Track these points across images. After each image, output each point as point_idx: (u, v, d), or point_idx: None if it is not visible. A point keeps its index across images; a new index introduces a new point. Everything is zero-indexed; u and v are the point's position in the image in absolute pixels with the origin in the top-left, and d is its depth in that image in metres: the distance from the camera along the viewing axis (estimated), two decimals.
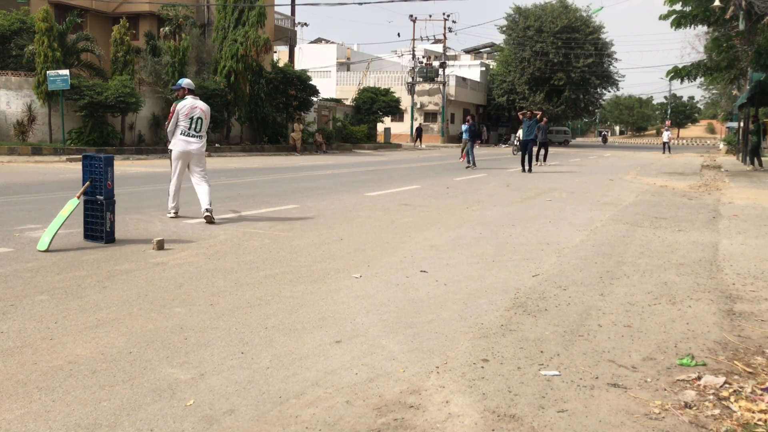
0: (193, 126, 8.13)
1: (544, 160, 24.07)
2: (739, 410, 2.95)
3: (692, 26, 21.05)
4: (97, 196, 6.53)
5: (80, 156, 7.20)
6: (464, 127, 22.60)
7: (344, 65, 57.03)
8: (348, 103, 43.05)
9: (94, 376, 3.21)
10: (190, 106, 8.14)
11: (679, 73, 22.63)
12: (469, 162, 20.99)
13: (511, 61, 55.30)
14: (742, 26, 18.41)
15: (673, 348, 3.81)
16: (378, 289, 5.05)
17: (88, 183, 6.54)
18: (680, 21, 20.73)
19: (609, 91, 61.32)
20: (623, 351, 3.74)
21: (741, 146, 28.76)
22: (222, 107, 28.28)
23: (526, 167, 19.26)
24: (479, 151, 41.20)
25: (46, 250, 6.02)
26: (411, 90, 50.88)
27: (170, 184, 8.38)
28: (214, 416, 2.82)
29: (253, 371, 3.33)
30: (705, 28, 26.86)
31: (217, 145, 27.80)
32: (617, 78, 57.54)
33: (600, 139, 54.70)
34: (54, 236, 6.18)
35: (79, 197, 6.60)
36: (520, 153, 20.52)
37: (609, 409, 2.97)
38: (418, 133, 46.73)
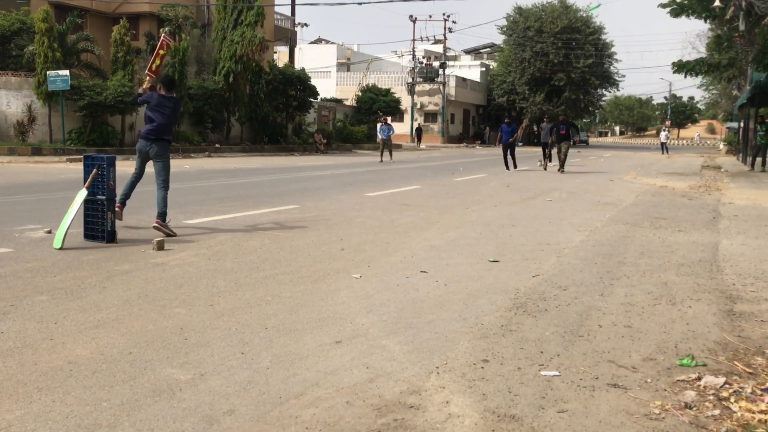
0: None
1: (550, 160, 24.06)
2: (740, 410, 2.94)
3: (690, 16, 21.03)
4: (98, 196, 6.53)
5: (80, 156, 7.18)
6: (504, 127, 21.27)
7: (344, 65, 57.03)
8: (348, 103, 43.05)
9: (94, 377, 3.21)
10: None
11: (683, 67, 22.66)
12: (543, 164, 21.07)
13: (512, 62, 55.28)
14: (742, 26, 18.42)
15: (673, 348, 3.81)
16: (378, 289, 5.05)
17: (95, 171, 6.51)
18: (679, 11, 20.75)
19: (609, 92, 61.37)
20: (623, 351, 3.74)
21: (741, 146, 28.75)
22: (222, 107, 28.28)
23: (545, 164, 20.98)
24: (480, 151, 41.22)
25: (61, 248, 6.12)
26: (411, 90, 50.88)
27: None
28: (214, 416, 2.82)
29: (253, 371, 3.33)
30: (706, 28, 26.85)
31: (217, 145, 27.80)
32: (617, 78, 57.58)
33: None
34: (66, 233, 6.25)
35: (87, 187, 6.56)
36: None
37: (609, 409, 2.97)
38: (418, 134, 46.73)
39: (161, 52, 7.97)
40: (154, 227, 6.95)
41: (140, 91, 7.53)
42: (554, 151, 20.69)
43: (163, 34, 7.92)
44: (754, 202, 11.82)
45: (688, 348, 3.82)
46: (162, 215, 7.03)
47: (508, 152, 20.67)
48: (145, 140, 7.13)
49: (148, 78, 7.87)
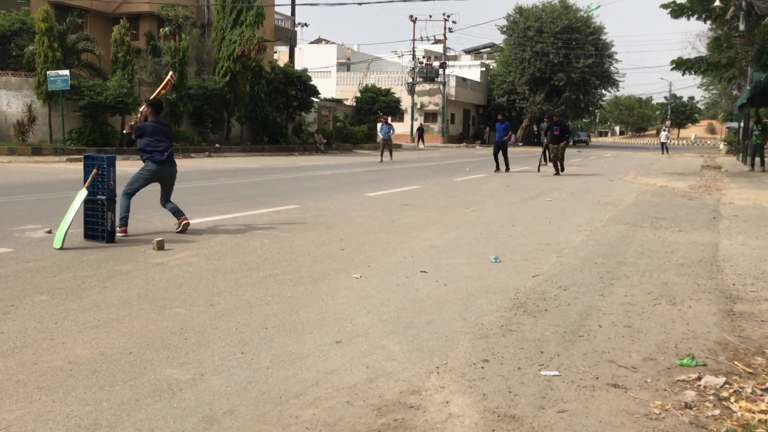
0: None
1: (551, 160, 24.02)
2: (740, 410, 2.95)
3: (690, 18, 21.02)
4: (98, 196, 6.53)
5: (80, 156, 7.18)
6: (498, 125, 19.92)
7: (344, 65, 57.02)
8: (348, 103, 43.05)
9: (95, 376, 3.21)
10: None
11: (683, 65, 22.64)
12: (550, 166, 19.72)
13: (512, 62, 55.26)
14: (742, 26, 18.43)
15: (673, 348, 3.81)
16: (378, 289, 5.05)
17: (95, 171, 6.52)
18: (679, 13, 20.74)
19: (609, 92, 61.34)
20: (623, 351, 3.74)
21: (741, 146, 28.76)
22: (222, 107, 28.27)
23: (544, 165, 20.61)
24: (481, 151, 41.20)
25: (61, 248, 6.11)
26: (411, 90, 50.87)
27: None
28: (214, 416, 2.82)
29: (254, 371, 3.33)
30: (706, 28, 26.85)
31: (217, 145, 27.80)
32: (617, 78, 57.57)
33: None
34: (66, 233, 6.25)
35: (87, 187, 6.57)
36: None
37: (609, 409, 2.97)
38: (420, 133, 46.64)
39: (163, 91, 7.85)
40: (182, 228, 7.24)
41: (131, 125, 7.51)
42: (547, 153, 19.39)
43: (170, 73, 7.72)
44: (754, 202, 11.82)
45: (688, 348, 3.82)
46: (176, 212, 7.31)
47: (500, 152, 19.52)
48: (167, 163, 7.28)
49: (140, 112, 7.71)
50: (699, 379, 3.32)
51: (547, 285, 5.26)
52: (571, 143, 59.92)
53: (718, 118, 76.73)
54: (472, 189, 13.75)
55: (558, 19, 52.81)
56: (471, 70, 61.72)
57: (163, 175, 7.28)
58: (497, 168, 19.48)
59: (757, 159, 21.87)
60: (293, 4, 39.64)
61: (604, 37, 55.26)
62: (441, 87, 52.51)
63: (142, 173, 7.25)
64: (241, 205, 9.94)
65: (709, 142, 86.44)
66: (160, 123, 7.38)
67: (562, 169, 18.71)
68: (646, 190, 14.43)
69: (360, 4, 29.55)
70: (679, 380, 3.31)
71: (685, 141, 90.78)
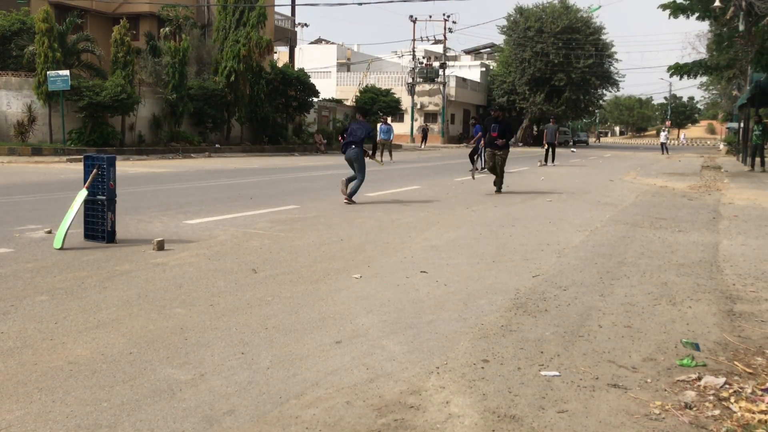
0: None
1: (553, 160, 24.21)
2: (740, 411, 2.95)
3: (689, 17, 20.98)
4: (98, 196, 6.53)
5: (80, 156, 7.20)
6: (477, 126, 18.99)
7: (344, 66, 57.03)
8: (348, 103, 43.05)
9: (95, 377, 3.21)
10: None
11: (680, 70, 22.62)
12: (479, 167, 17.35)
13: (512, 62, 55.26)
14: (741, 26, 18.43)
15: (673, 348, 3.81)
16: (378, 289, 5.05)
17: (95, 171, 6.52)
18: (678, 12, 20.71)
19: (609, 92, 61.35)
20: (623, 351, 3.74)
21: (741, 147, 28.76)
22: (222, 108, 28.27)
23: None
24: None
25: (61, 248, 6.12)
26: (411, 90, 50.87)
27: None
28: (214, 416, 2.82)
29: (254, 372, 3.33)
30: (706, 29, 26.87)
31: (217, 145, 27.80)
32: (617, 78, 57.56)
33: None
34: (66, 233, 6.26)
35: (87, 187, 6.58)
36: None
37: (609, 409, 2.97)
38: (424, 134, 46.53)
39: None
40: (345, 202, 10.38)
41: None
42: (487, 157, 13.46)
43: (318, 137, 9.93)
44: (754, 202, 11.82)
45: (688, 348, 3.82)
46: (350, 195, 10.46)
47: (474, 151, 17.88)
48: (348, 149, 10.57)
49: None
50: (699, 379, 3.32)
51: (547, 285, 5.26)
52: (564, 143, 59.70)
53: (718, 118, 76.72)
54: (472, 189, 13.74)
55: (558, 19, 52.80)
56: (471, 70, 61.73)
57: (348, 157, 10.61)
58: (473, 168, 17.26)
59: (757, 159, 21.87)
60: (293, 4, 39.72)
61: (604, 37, 55.26)
62: (441, 87, 52.50)
63: None
64: (241, 205, 9.94)
65: (709, 142, 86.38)
66: (357, 122, 10.77)
67: (498, 189, 12.97)
68: (646, 190, 14.43)
69: (360, 4, 29.57)
70: (679, 380, 3.31)
71: (685, 141, 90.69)
